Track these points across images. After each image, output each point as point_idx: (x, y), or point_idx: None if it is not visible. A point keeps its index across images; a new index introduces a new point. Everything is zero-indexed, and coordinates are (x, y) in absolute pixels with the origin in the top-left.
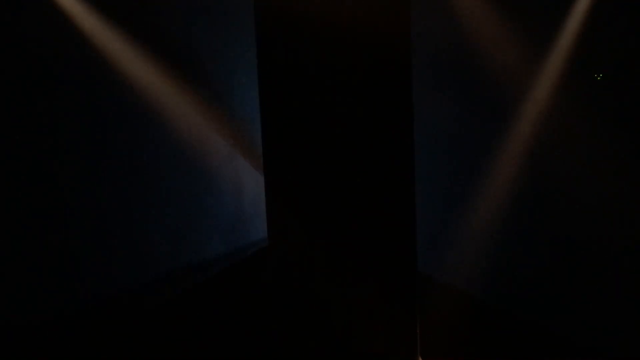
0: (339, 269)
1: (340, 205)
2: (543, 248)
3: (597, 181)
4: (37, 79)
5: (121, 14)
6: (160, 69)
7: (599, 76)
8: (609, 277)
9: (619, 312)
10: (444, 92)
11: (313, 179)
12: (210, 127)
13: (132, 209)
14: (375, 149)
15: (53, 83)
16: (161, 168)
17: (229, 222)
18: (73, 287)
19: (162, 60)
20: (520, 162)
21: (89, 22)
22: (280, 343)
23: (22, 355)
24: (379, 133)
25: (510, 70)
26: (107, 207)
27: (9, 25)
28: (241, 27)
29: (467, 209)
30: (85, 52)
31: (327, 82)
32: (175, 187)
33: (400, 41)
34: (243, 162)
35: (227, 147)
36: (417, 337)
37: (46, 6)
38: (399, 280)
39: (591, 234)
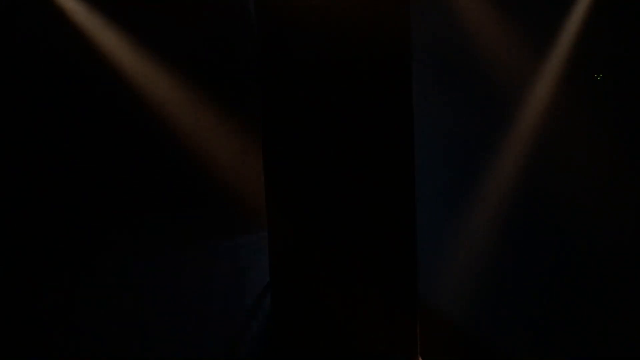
0: (339, 268)
1: (340, 205)
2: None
3: (598, 188)
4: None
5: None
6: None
7: (599, 76)
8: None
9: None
10: (444, 92)
11: (313, 179)
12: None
13: None
14: (375, 149)
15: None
16: None
17: None
18: None
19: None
20: (520, 165)
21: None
22: (280, 343)
23: None
24: (379, 132)
25: (510, 70)
26: None
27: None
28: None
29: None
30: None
31: (327, 82)
32: None
33: (400, 41)
34: None
35: None
36: (417, 337)
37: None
38: (399, 280)
39: (592, 248)
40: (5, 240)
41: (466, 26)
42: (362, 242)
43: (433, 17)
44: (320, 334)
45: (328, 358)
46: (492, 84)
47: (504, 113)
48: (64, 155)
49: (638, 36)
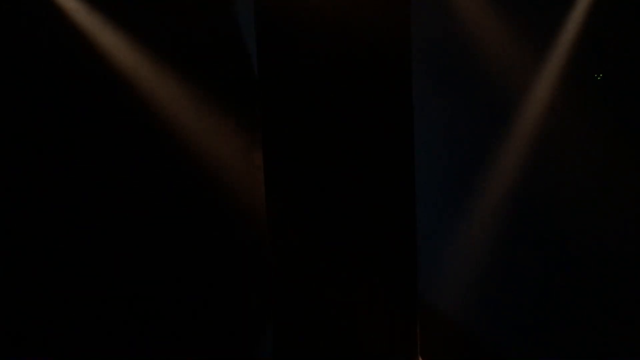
0: (339, 268)
1: (340, 204)
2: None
3: (599, 188)
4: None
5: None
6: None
7: (599, 76)
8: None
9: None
10: (444, 91)
11: (313, 179)
12: None
13: None
14: (375, 149)
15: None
16: None
17: None
18: None
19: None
20: (520, 164)
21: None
22: (280, 343)
23: None
24: (379, 132)
25: (510, 70)
26: None
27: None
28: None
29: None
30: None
31: (327, 82)
32: None
33: (400, 41)
34: None
35: None
36: (417, 337)
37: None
38: (399, 280)
39: (593, 247)
40: (5, 241)
41: (466, 26)
42: (362, 242)
43: (433, 17)
44: (320, 333)
45: (328, 358)
46: (492, 83)
47: (504, 113)
48: (63, 154)
49: (638, 36)
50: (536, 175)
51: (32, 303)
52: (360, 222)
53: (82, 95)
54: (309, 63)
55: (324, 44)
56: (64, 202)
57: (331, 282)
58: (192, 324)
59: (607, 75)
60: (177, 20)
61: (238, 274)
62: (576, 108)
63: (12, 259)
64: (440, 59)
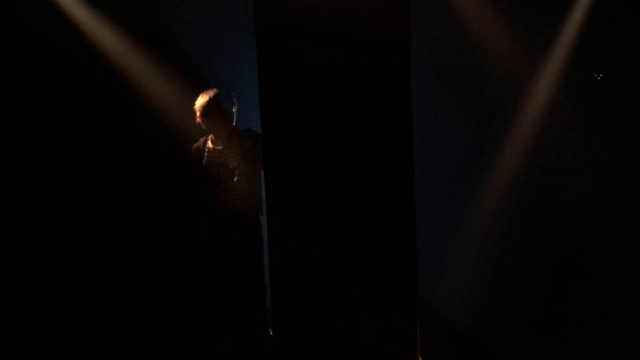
0: (338, 269)
1: (340, 205)
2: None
3: (598, 188)
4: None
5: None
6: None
7: (599, 76)
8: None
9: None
10: (444, 92)
11: (313, 179)
12: None
13: None
14: (375, 149)
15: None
16: None
17: None
18: None
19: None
20: (520, 165)
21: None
22: (280, 342)
23: None
24: (379, 132)
25: (510, 70)
26: None
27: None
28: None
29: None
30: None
31: (327, 82)
32: None
33: (400, 41)
34: None
35: None
36: (417, 337)
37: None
38: (399, 281)
39: (593, 249)
40: (5, 240)
41: (466, 26)
42: (362, 242)
43: (433, 16)
44: (320, 333)
45: (328, 358)
46: (492, 83)
47: (504, 113)
48: (62, 151)
49: (638, 36)
50: (536, 175)
51: (30, 302)
52: (360, 222)
53: (81, 93)
54: (308, 63)
55: (324, 44)
56: (62, 201)
57: (331, 282)
58: (190, 324)
59: (607, 75)
60: (178, 19)
61: (237, 274)
62: (576, 108)
63: (6, 257)
64: (440, 58)
